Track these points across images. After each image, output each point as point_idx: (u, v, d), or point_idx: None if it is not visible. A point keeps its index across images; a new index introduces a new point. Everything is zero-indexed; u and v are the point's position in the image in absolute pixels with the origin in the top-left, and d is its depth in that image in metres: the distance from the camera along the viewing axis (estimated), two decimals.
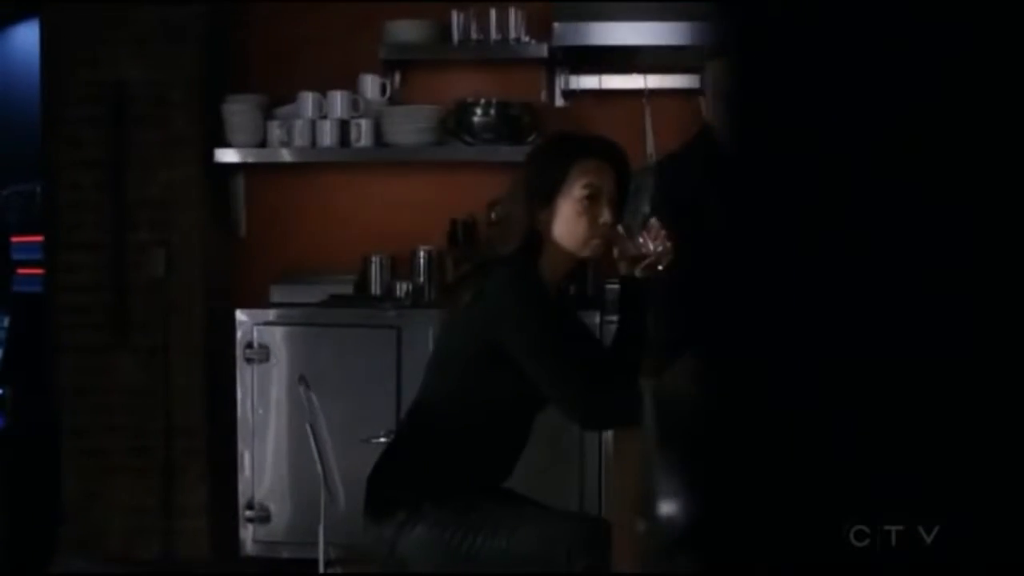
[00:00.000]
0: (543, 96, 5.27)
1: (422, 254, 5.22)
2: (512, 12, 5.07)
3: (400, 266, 5.26)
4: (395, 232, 5.32)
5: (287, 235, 5.40)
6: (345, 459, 4.86)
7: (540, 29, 5.08)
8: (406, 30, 5.15)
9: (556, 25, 4.78)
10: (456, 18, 5.11)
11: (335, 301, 5.05)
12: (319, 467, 2.90)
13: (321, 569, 2.90)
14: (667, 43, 4.80)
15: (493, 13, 5.08)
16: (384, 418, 4.90)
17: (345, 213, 5.40)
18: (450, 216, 5.22)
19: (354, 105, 5.12)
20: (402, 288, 5.13)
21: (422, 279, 5.20)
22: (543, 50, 5.03)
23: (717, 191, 3.44)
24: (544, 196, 2.88)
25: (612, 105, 5.17)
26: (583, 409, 2.80)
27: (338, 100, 5.12)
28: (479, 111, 5.06)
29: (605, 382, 2.88)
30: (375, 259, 5.23)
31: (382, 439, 4.84)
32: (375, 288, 5.22)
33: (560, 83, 5.22)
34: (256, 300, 5.12)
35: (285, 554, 4.98)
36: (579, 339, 3.09)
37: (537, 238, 2.89)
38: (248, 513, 4.99)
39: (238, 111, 5.15)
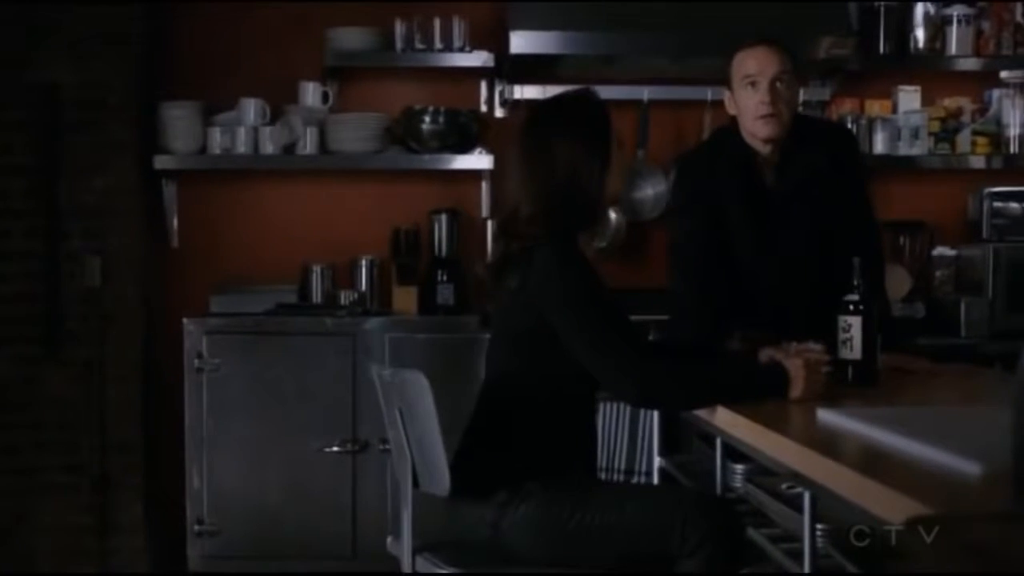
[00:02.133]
0: (483, 106, 5.31)
1: (364, 263, 5.18)
2: (456, 22, 5.10)
3: (340, 275, 5.21)
4: (334, 241, 5.27)
5: (225, 244, 5.28)
6: (300, 467, 4.84)
7: (481, 39, 5.13)
8: (348, 38, 5.12)
9: (513, 34, 4.82)
10: (399, 27, 5.11)
11: (287, 309, 4.97)
12: (407, 451, 2.85)
13: (407, 559, 2.85)
14: (623, 53, 4.91)
15: (437, 23, 5.10)
16: (340, 426, 4.85)
17: (285, 222, 5.32)
18: (392, 225, 5.21)
19: (300, 120, 5.07)
20: (346, 297, 5.08)
21: (364, 288, 5.17)
22: (490, 59, 5.08)
23: (734, 185, 3.56)
24: (608, 161, 2.93)
25: None
26: (639, 381, 2.76)
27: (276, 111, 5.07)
28: (428, 118, 5.07)
29: (658, 360, 2.93)
30: (316, 268, 5.17)
31: (336, 448, 4.83)
32: (316, 297, 5.16)
33: (504, 93, 5.25)
34: (193, 310, 4.99)
35: (234, 569, 4.86)
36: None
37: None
38: (196, 528, 4.85)
39: (178, 116, 5.03)
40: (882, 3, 5.12)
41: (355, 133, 5.10)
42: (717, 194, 3.53)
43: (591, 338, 2.78)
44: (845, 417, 2.45)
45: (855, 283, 3.06)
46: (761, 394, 2.77)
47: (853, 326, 3.04)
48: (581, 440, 2.96)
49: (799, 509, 2.46)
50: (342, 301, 5.07)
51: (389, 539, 3.02)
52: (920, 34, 5.16)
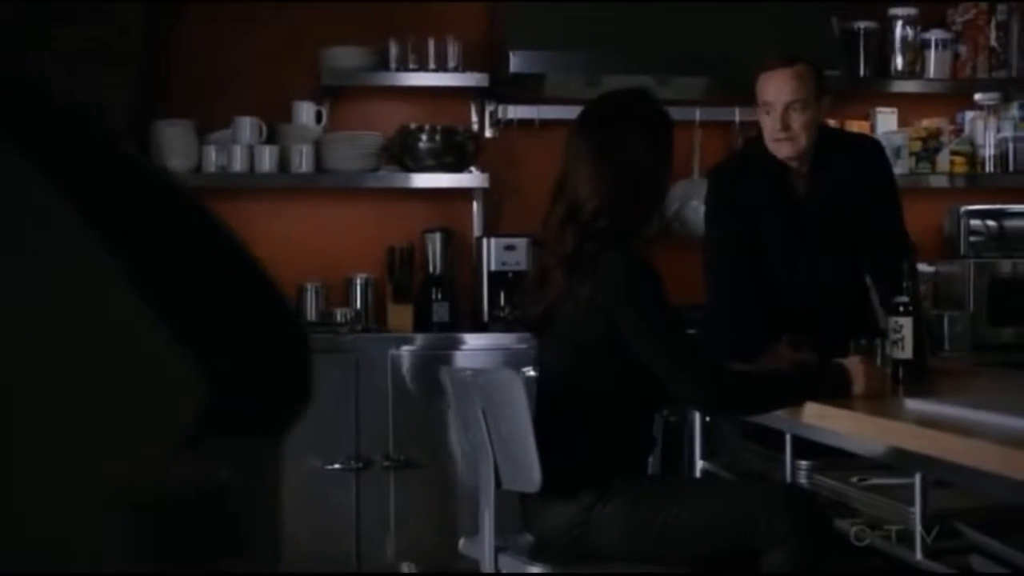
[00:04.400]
0: (474, 126, 5.36)
1: (359, 281, 5.20)
2: (449, 42, 5.15)
3: (333, 293, 5.21)
4: (328, 259, 5.27)
5: None
6: (302, 485, 4.82)
7: (472, 59, 5.19)
8: (343, 57, 5.15)
9: (512, 54, 4.89)
10: (393, 47, 5.14)
11: None
12: (489, 451, 2.87)
13: (489, 558, 2.87)
14: (622, 72, 5.00)
15: (431, 43, 5.14)
16: (343, 443, 4.84)
17: (279, 240, 5.28)
18: (386, 243, 5.22)
19: (296, 134, 5.09)
20: (342, 315, 5.09)
21: (359, 306, 5.18)
22: (484, 80, 5.14)
23: (766, 195, 3.67)
24: (671, 156, 3.14)
25: (542, 135, 5.26)
26: (714, 388, 2.84)
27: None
28: (425, 137, 5.10)
29: (726, 366, 3.01)
30: (310, 286, 5.17)
31: (338, 466, 4.83)
32: (311, 315, 5.15)
33: (497, 113, 5.30)
34: None
35: None
36: None
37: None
38: None
39: (173, 135, 5.01)
40: (862, 27, 5.29)
41: (349, 152, 5.12)
42: (749, 204, 3.63)
43: (664, 346, 2.83)
44: (938, 405, 2.53)
45: (904, 285, 3.16)
46: (824, 393, 2.83)
47: (904, 326, 3.14)
48: (651, 439, 3.02)
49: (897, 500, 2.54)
50: (338, 319, 5.07)
51: (462, 541, 3.03)
52: (899, 58, 5.33)
